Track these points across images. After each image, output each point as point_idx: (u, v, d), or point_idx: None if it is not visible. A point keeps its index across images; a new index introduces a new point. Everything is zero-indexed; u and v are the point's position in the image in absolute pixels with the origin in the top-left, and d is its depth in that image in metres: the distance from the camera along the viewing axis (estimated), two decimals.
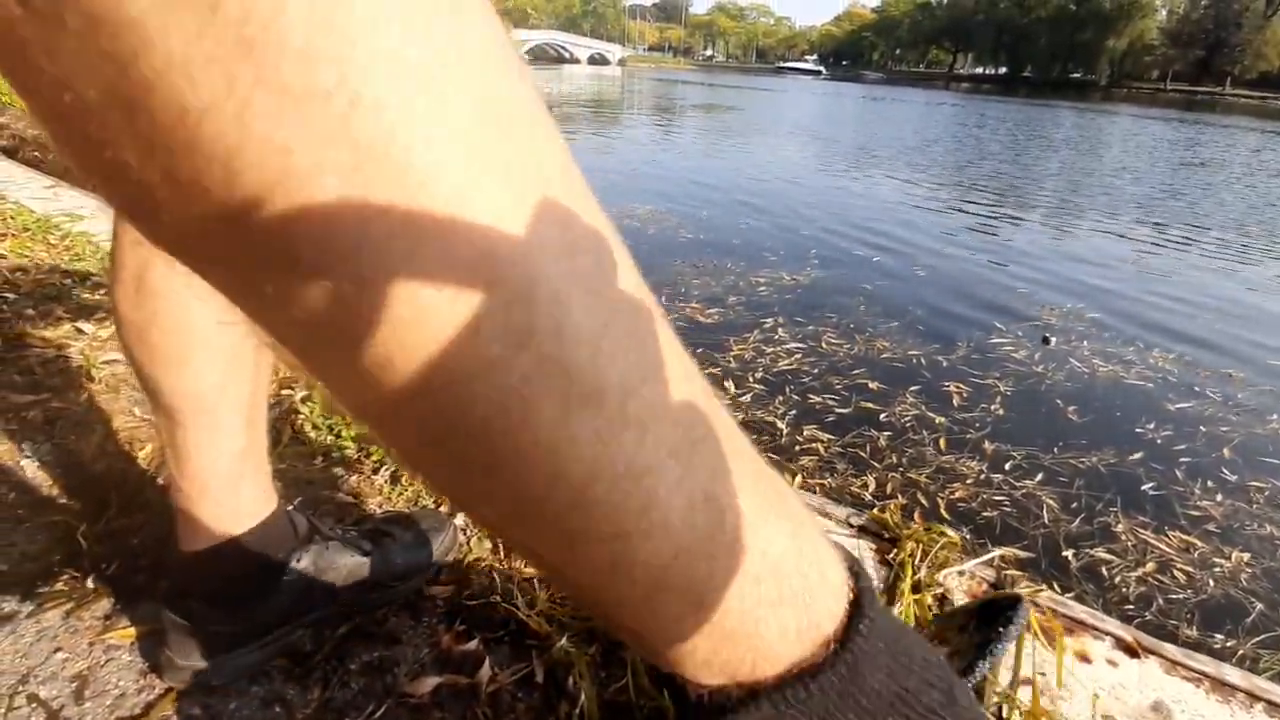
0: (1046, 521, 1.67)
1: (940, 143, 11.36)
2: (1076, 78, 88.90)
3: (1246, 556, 1.61)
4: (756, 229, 4.44)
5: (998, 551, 0.76)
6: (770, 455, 1.87)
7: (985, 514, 1.68)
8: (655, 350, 0.19)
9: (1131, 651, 0.61)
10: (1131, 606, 1.43)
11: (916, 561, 0.66)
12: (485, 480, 0.18)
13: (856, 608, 0.23)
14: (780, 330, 2.78)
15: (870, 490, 1.75)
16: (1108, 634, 0.62)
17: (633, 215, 4.60)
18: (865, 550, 0.68)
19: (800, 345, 2.64)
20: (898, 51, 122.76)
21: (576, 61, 72.45)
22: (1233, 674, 0.61)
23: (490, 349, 0.16)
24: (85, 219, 1.75)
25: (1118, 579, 1.50)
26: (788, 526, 0.23)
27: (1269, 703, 0.58)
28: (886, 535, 0.70)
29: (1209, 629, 1.39)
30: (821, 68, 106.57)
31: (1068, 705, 0.55)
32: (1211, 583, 1.51)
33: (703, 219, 4.62)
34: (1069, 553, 1.57)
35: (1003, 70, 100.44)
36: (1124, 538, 1.64)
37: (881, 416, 2.14)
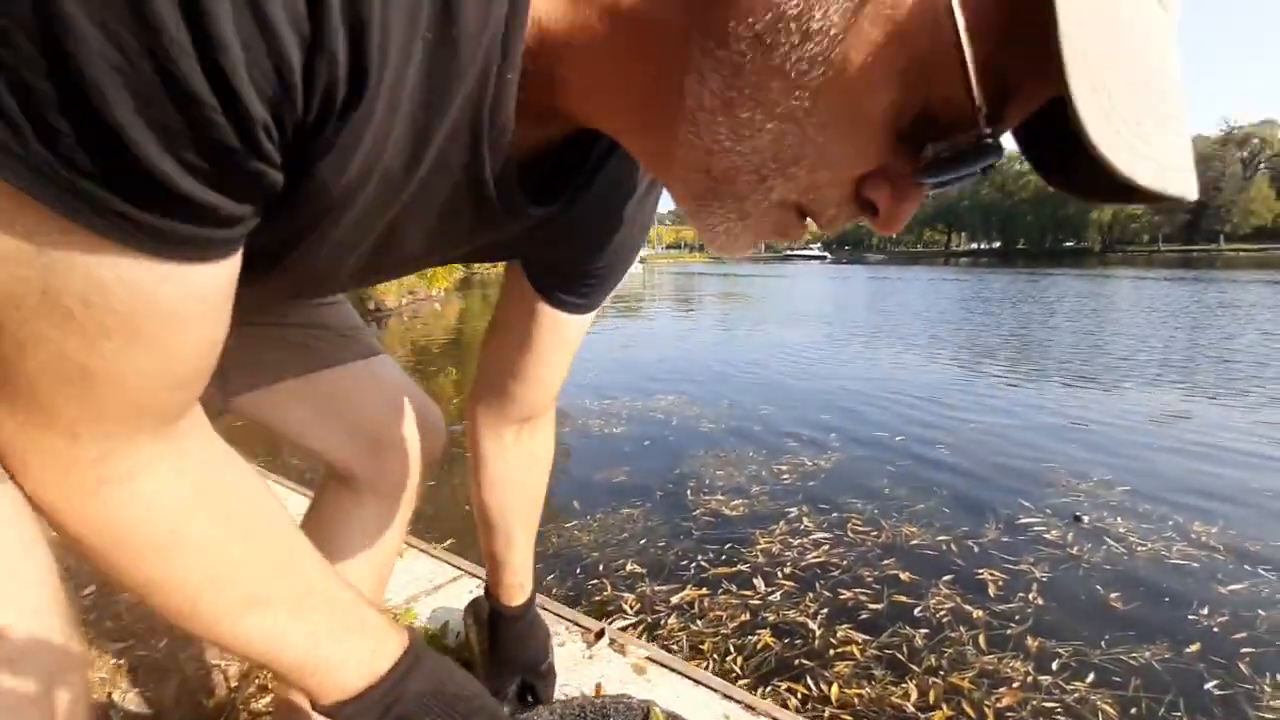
0: None
1: (947, 318, 11.92)
2: (1070, 245, 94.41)
3: None
4: (776, 415, 4.60)
5: None
6: (804, 661, 1.83)
7: None
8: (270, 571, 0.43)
9: None
10: None
11: None
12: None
13: (412, 659, 0.47)
14: (805, 520, 2.80)
15: (913, 700, 1.67)
16: None
17: (656, 407, 4.84)
18: None
19: (827, 535, 2.65)
20: (894, 235, 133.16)
21: None
22: None
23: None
24: None
25: None
26: (356, 639, 0.45)
27: None
28: None
29: None
30: (826, 254, 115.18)
31: None
32: None
33: (723, 408, 4.82)
34: None
35: (997, 244, 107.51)
36: None
37: (916, 611, 2.09)
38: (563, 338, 0.64)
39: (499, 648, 0.78)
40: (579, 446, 4.04)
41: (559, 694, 0.96)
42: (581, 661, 0.99)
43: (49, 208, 0.25)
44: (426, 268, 0.54)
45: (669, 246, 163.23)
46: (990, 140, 0.30)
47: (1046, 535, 2.63)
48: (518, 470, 0.74)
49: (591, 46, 0.34)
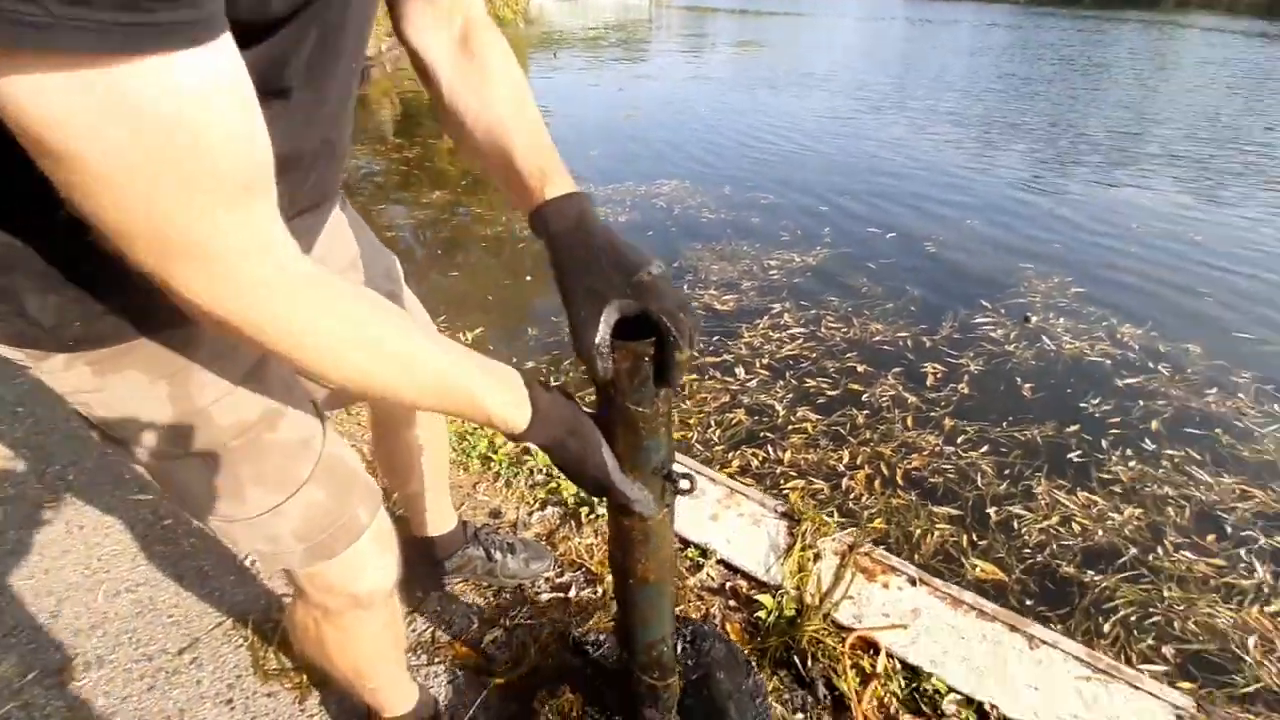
0: (980, 485, 2.14)
1: (981, 83, 10.98)
2: None
3: (1139, 512, 2.05)
4: (774, 207, 4.72)
5: (852, 532, 1.24)
6: (768, 434, 2.36)
7: (932, 480, 2.15)
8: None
9: (913, 582, 1.09)
10: (1029, 550, 1.90)
11: (808, 534, 1.15)
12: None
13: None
14: (786, 316, 3.20)
15: (844, 462, 2.23)
16: (904, 573, 1.10)
17: (659, 194, 4.94)
18: (781, 526, 1.17)
19: (803, 330, 3.07)
20: None
21: None
22: (966, 595, 1.10)
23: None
24: None
25: (1024, 530, 1.97)
26: (504, 392, 0.58)
27: (980, 611, 1.07)
28: (794, 516, 1.18)
29: (1085, 567, 1.85)
30: None
31: (868, 607, 1.05)
32: (1100, 532, 1.97)
33: (724, 196, 4.92)
34: (992, 510, 2.04)
35: None
36: (1041, 498, 2.10)
37: (864, 397, 2.59)
38: None
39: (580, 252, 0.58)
40: None
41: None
42: None
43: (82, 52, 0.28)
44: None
45: None
46: None
47: (993, 334, 3.04)
48: (483, 73, 0.64)
49: None
